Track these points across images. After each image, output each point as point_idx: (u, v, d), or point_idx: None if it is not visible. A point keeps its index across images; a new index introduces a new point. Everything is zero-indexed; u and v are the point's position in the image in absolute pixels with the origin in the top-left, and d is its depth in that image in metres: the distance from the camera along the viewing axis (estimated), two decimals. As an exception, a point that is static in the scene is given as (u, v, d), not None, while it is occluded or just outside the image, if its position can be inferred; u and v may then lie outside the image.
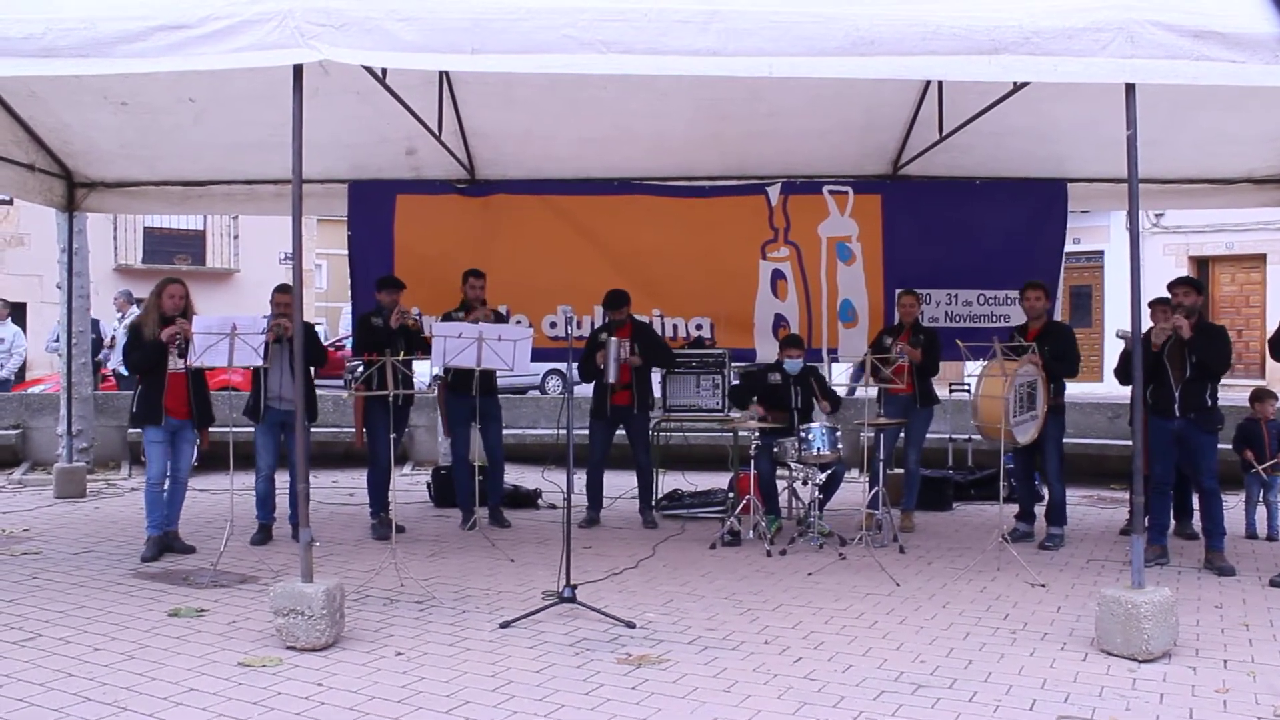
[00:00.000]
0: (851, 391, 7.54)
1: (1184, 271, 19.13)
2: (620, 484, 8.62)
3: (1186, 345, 6.34)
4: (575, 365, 8.31)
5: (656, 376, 8.51)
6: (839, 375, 14.61)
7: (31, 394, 12.00)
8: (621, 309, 7.94)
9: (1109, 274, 21.52)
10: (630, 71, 4.77)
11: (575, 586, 5.40)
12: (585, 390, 8.47)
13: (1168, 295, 7.14)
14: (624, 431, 8.10)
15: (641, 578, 6.28)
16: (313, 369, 7.08)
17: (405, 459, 11.03)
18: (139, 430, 6.84)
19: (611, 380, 7.72)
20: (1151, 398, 6.49)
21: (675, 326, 9.09)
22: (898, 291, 8.18)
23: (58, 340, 11.94)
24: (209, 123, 7.79)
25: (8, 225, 20.52)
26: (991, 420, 6.81)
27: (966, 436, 9.74)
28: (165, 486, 6.74)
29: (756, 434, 7.36)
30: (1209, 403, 6.43)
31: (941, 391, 8.57)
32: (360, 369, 6.79)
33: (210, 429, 7.00)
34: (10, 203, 19.33)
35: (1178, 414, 6.42)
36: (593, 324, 8.96)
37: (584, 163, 8.83)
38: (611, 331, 7.87)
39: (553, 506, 8.76)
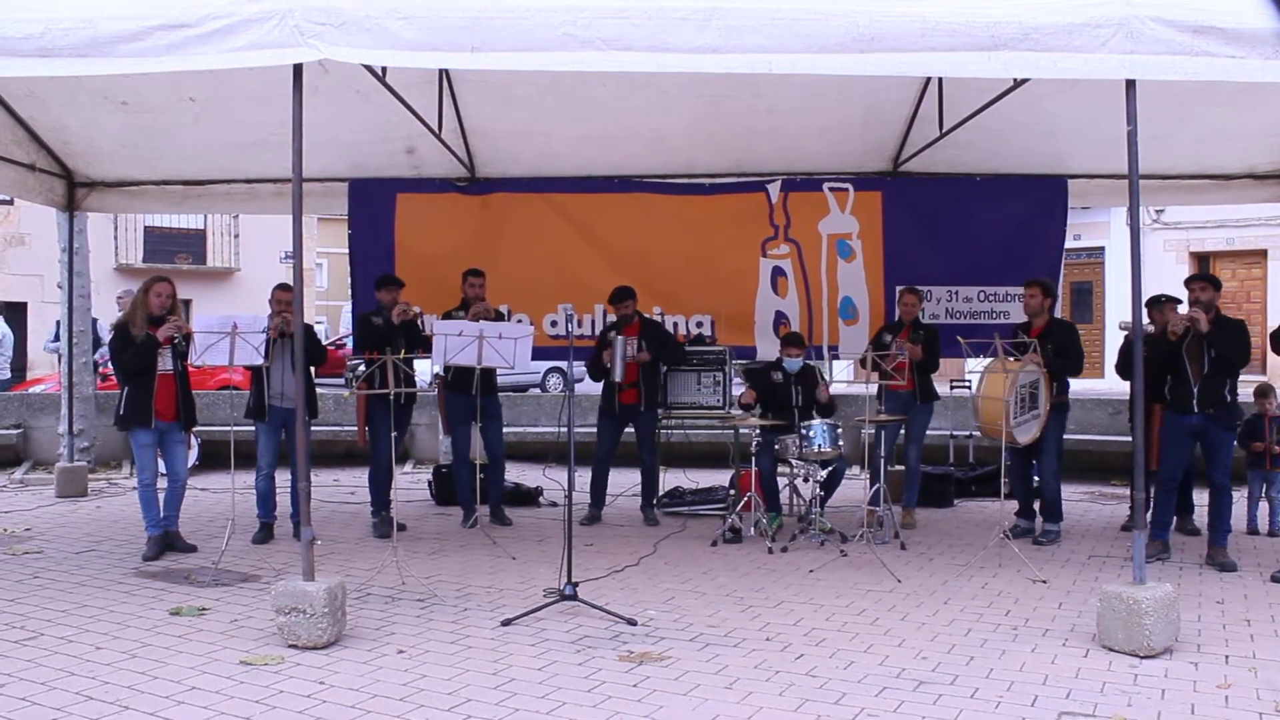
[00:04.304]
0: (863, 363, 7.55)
1: (1185, 267, 19.15)
2: (621, 481, 8.62)
3: (1205, 340, 6.32)
4: (583, 364, 8.34)
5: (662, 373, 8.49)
6: (839, 373, 14.63)
7: (33, 393, 12.00)
8: (625, 303, 7.93)
9: (1110, 270, 21.51)
10: (630, 69, 4.76)
11: (577, 584, 5.40)
12: (586, 389, 8.47)
13: (1167, 295, 7.15)
14: (631, 429, 8.10)
15: (643, 575, 6.29)
16: (312, 368, 7.08)
17: (406, 457, 11.03)
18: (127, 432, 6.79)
19: (618, 379, 7.74)
20: (1170, 393, 6.47)
21: (676, 324, 9.08)
22: (899, 289, 8.17)
23: (55, 340, 11.95)
24: (209, 122, 7.78)
25: (9, 225, 20.53)
26: (991, 420, 6.81)
27: (968, 433, 9.74)
28: (159, 486, 6.73)
29: (757, 431, 7.36)
30: (1228, 398, 6.40)
31: (942, 388, 8.56)
32: (361, 368, 6.79)
33: (211, 428, 6.99)
34: (11, 203, 19.34)
35: (1196, 410, 6.38)
36: (593, 323, 8.97)
37: (584, 160, 8.83)
38: (620, 329, 7.88)
39: (554, 504, 8.76)
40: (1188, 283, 6.62)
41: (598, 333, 8.64)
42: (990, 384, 6.89)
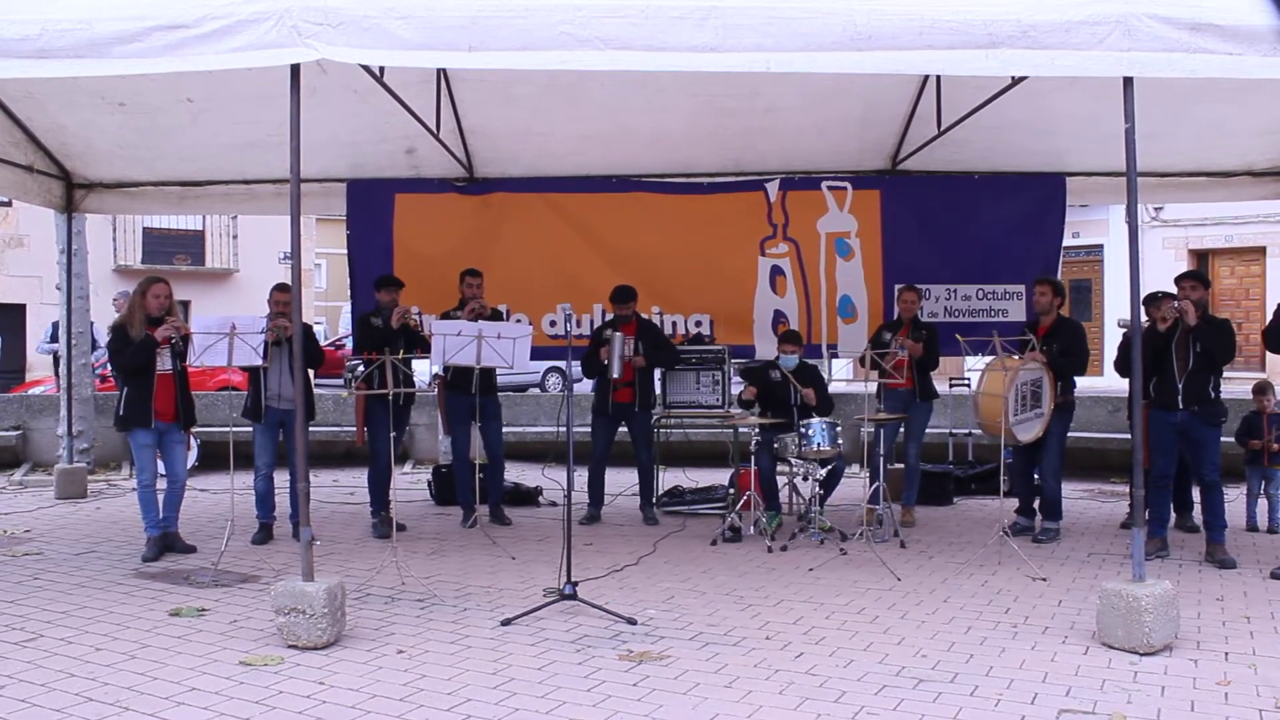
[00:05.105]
0: (862, 360, 7.56)
1: (1184, 265, 19.14)
2: (621, 481, 8.62)
3: (1191, 335, 6.32)
4: (578, 362, 8.32)
5: (658, 373, 8.50)
6: (838, 371, 14.63)
7: (32, 395, 12.01)
8: (628, 304, 7.94)
9: (1109, 268, 21.54)
10: (628, 68, 4.76)
11: (576, 583, 5.40)
12: (586, 388, 8.47)
13: (1164, 290, 7.14)
14: (625, 429, 8.10)
15: (642, 574, 6.29)
16: (310, 369, 7.08)
17: (406, 457, 11.03)
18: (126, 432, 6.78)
19: (615, 375, 7.73)
20: (1155, 390, 6.48)
21: (675, 324, 9.08)
22: (898, 287, 8.17)
23: (51, 341, 11.95)
24: (207, 123, 7.78)
25: (7, 227, 20.53)
26: (991, 418, 6.81)
27: (967, 431, 9.74)
28: (158, 487, 6.73)
29: (757, 430, 7.35)
30: (1212, 395, 6.41)
31: (941, 386, 8.56)
32: (360, 368, 6.79)
33: (210, 429, 6.98)
34: (9, 204, 19.33)
35: (1181, 406, 6.39)
36: (592, 322, 8.96)
37: (583, 160, 8.83)
38: (616, 328, 7.88)
39: (553, 504, 8.76)
40: (1178, 281, 6.63)
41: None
42: (990, 381, 6.90)
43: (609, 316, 8.36)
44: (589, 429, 8.37)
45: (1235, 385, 9.33)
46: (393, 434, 6.98)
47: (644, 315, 8.39)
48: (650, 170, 9.03)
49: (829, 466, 7.43)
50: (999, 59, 4.64)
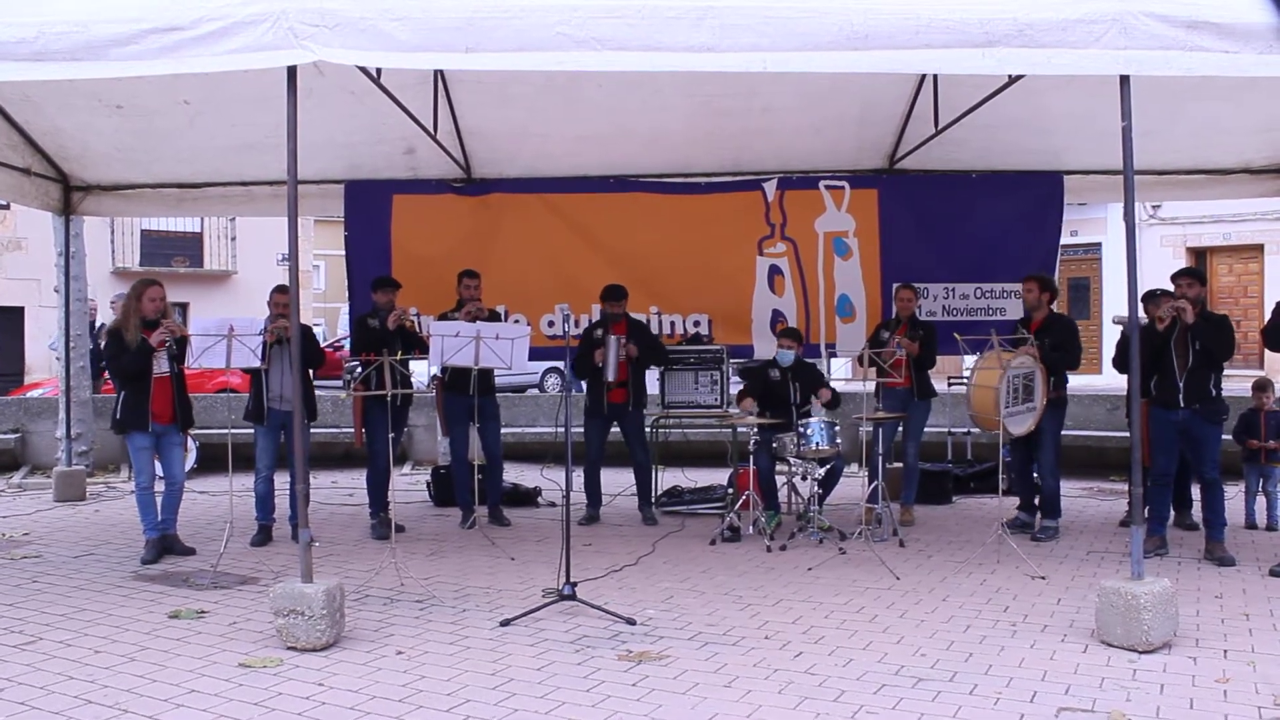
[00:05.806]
0: (859, 359, 7.55)
1: (1182, 263, 19.15)
2: (620, 481, 8.62)
3: (1190, 333, 6.33)
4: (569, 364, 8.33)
5: (653, 374, 8.50)
6: (837, 370, 14.63)
7: (31, 398, 12.00)
8: (620, 302, 7.94)
9: (1107, 266, 21.54)
10: (624, 68, 4.77)
11: (575, 584, 5.40)
12: (582, 387, 8.47)
13: (1163, 288, 7.15)
14: (619, 429, 8.10)
15: (641, 574, 6.29)
16: (311, 370, 7.08)
17: (404, 458, 11.03)
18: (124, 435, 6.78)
19: (611, 378, 7.73)
20: (1156, 389, 6.47)
21: (673, 324, 9.08)
22: (895, 285, 8.19)
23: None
24: (205, 125, 7.78)
25: (5, 229, 20.52)
26: (983, 410, 6.82)
27: (965, 430, 9.74)
28: (157, 489, 6.73)
29: (755, 429, 7.36)
30: (1213, 393, 6.40)
31: (940, 385, 8.57)
32: (359, 369, 6.79)
33: (209, 431, 6.97)
34: (7, 207, 19.32)
35: (1182, 404, 6.38)
36: (590, 323, 8.96)
37: (580, 160, 8.83)
38: (607, 327, 7.88)
39: (552, 504, 8.76)
40: (1174, 278, 6.63)
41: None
42: (983, 373, 6.90)
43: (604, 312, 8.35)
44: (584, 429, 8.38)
45: (1235, 383, 9.33)
46: (391, 435, 6.98)
47: (637, 315, 8.38)
48: (648, 170, 9.02)
49: (828, 466, 7.43)
50: (996, 58, 4.65)
